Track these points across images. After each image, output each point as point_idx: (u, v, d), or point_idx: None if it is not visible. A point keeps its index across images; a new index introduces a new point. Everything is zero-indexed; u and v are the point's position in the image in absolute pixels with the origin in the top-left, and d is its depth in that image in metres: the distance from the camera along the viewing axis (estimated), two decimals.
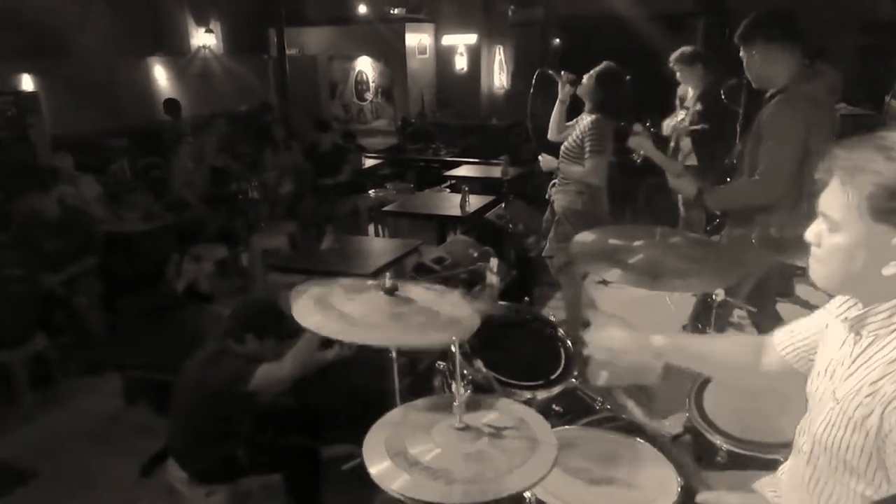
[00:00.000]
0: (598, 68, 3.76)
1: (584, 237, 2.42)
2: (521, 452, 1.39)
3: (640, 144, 3.13)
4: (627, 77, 3.75)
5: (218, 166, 6.60)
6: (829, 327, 1.37)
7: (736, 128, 3.65)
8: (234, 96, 9.82)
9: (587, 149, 3.69)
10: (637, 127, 3.12)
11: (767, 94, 2.69)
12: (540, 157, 3.99)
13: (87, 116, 7.59)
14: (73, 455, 3.56)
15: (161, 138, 7.56)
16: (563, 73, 3.89)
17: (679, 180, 2.84)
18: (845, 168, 1.12)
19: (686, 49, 4.92)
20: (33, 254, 4.24)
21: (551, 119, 4.03)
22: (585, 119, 3.79)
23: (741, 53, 2.66)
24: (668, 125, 5.10)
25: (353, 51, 10.69)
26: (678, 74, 4.96)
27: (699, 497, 1.45)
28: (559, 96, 3.95)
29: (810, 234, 1.21)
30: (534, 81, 4.04)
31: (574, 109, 3.97)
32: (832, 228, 1.16)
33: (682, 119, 5.01)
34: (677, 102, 5.18)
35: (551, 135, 4.04)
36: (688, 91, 5.06)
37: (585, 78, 3.77)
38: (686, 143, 5.06)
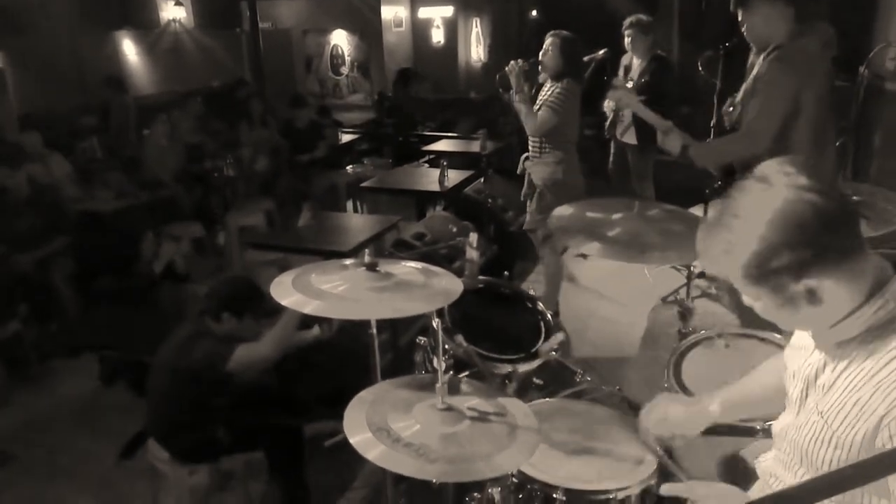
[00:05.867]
0: (560, 39, 3.75)
1: (563, 211, 2.43)
2: (500, 439, 1.40)
3: (621, 98, 3.07)
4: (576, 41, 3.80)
5: (192, 143, 6.49)
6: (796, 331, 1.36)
7: (713, 99, 3.66)
8: (207, 71, 9.61)
9: (546, 101, 3.73)
10: (617, 80, 3.06)
11: (764, 54, 2.71)
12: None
13: (55, 93, 7.39)
14: (52, 438, 3.53)
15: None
16: (519, 60, 3.79)
17: (667, 136, 2.81)
18: (705, 260, 1.19)
19: (642, 17, 4.95)
20: (3, 233, 4.15)
21: (523, 117, 3.84)
22: (552, 84, 3.78)
23: (740, 17, 2.67)
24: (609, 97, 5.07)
25: (328, 24, 10.51)
26: (628, 41, 4.97)
27: (663, 488, 1.45)
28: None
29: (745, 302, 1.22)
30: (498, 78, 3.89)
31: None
32: (750, 298, 1.18)
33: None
34: (621, 72, 5.14)
35: (529, 131, 3.93)
36: (632, 60, 5.08)
37: (549, 47, 3.77)
38: (627, 114, 5.06)
